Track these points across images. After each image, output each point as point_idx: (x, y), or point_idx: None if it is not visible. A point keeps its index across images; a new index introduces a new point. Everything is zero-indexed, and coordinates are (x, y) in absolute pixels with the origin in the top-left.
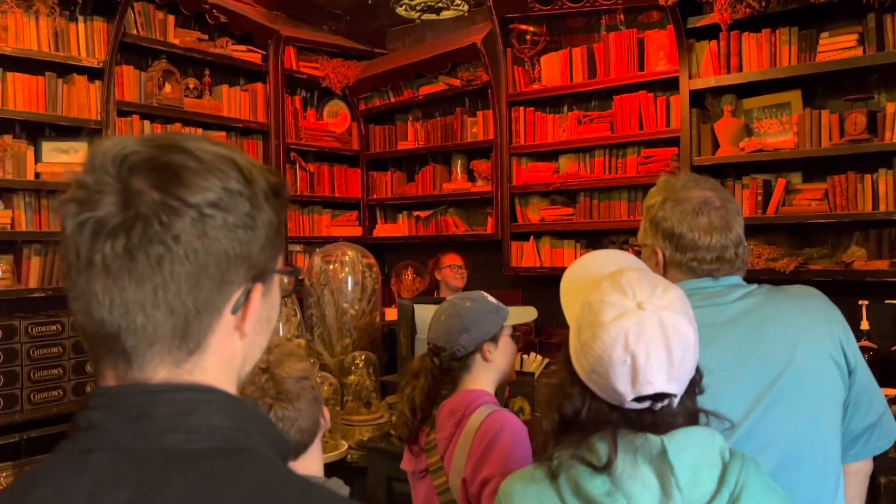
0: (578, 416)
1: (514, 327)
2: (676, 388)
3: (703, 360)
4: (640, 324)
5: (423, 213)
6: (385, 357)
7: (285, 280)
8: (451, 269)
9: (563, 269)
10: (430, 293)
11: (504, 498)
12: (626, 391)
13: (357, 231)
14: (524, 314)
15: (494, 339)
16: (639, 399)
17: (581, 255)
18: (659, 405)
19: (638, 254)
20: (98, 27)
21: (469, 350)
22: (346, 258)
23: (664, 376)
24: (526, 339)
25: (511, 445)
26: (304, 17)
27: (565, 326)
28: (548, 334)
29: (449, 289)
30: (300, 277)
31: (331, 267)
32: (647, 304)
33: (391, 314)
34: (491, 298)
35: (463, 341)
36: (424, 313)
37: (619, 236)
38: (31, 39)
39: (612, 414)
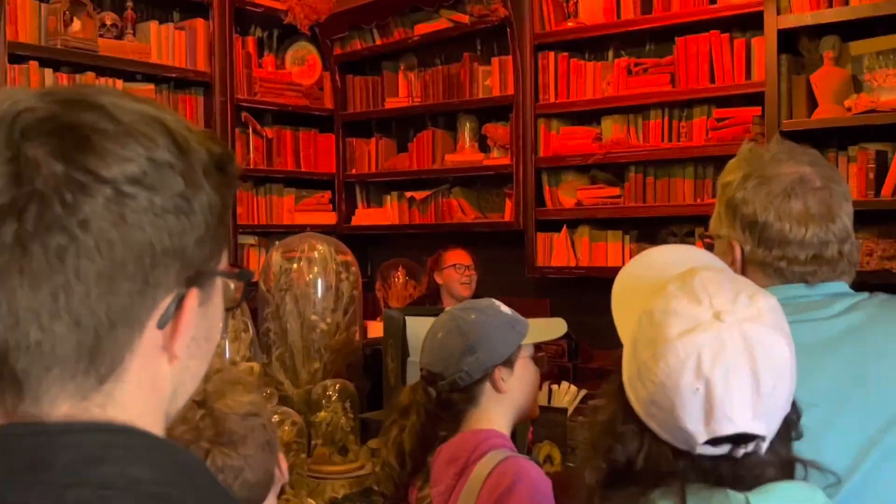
0: (633, 464)
1: (538, 347)
2: (765, 427)
3: (798, 392)
4: (717, 340)
5: (418, 195)
6: (366, 387)
7: (231, 285)
8: (456, 269)
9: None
10: (427, 302)
11: None
12: (698, 431)
13: (330, 218)
14: (551, 329)
15: (509, 363)
16: (714, 442)
17: (631, 251)
18: (742, 451)
19: (710, 247)
20: None
21: (475, 377)
22: (316, 254)
23: (749, 412)
24: (555, 364)
25: (529, 502)
26: None
27: (612, 345)
28: (585, 357)
29: (452, 296)
30: (252, 281)
31: (294, 266)
32: (727, 314)
33: (375, 329)
34: (505, 308)
35: (467, 366)
36: (419, 328)
37: (681, 226)
38: None
39: (679, 462)
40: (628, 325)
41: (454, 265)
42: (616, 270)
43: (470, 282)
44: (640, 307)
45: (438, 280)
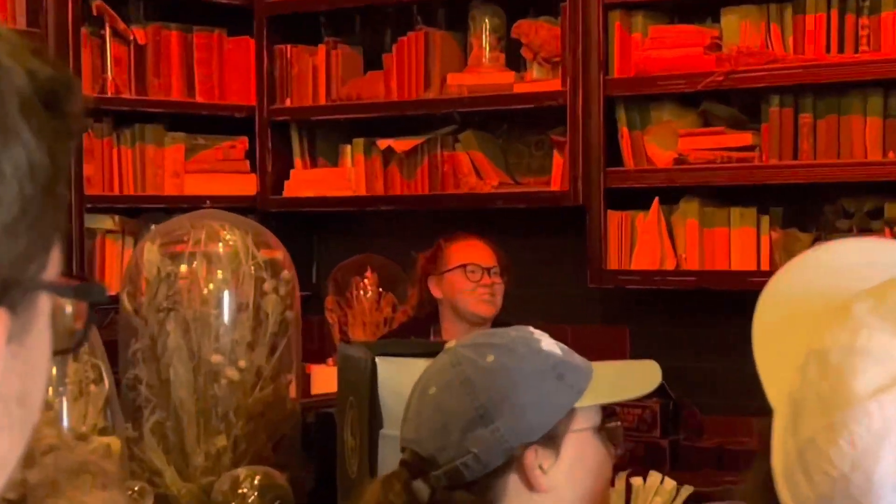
0: None
1: (608, 411)
2: None
3: None
4: None
5: (400, 144)
6: (309, 480)
7: (68, 307)
8: (468, 273)
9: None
10: (416, 331)
11: None
12: None
13: (246, 185)
14: (632, 380)
15: (553, 441)
16: None
17: (775, 243)
18: None
19: None
20: None
21: (493, 464)
22: (220, 249)
23: None
24: (639, 440)
25: None
26: None
27: (744, 409)
28: (692, 427)
29: (460, 319)
30: (105, 298)
31: (183, 269)
32: None
33: (324, 379)
34: (548, 343)
35: (478, 445)
36: (400, 377)
37: (860, 199)
38: None
39: None
40: (782, 374)
41: (464, 266)
42: (747, 278)
43: (491, 295)
44: (803, 344)
45: (436, 292)
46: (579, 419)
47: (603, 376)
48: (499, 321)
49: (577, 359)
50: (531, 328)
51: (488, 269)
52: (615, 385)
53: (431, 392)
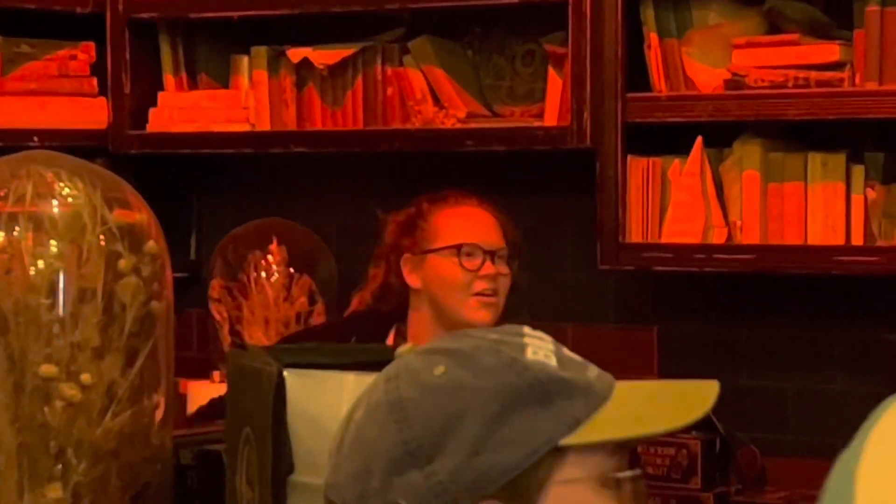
0: None
1: (629, 456)
2: None
3: None
4: None
5: (322, 55)
6: None
7: None
8: (463, 257)
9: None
10: (366, 328)
11: None
12: None
13: (94, 113)
14: (666, 406)
15: (524, 496)
16: None
17: (870, 204)
18: None
19: None
20: None
21: None
22: (54, 208)
23: None
24: (667, 491)
25: None
26: None
27: (820, 452)
28: (749, 471)
29: (440, 320)
30: None
31: (1, 237)
32: None
33: (207, 401)
34: (536, 349)
35: (403, 495)
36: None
37: None
38: None
39: None
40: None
41: (458, 248)
42: (831, 257)
43: (493, 293)
44: None
45: (413, 280)
46: (570, 464)
47: (624, 401)
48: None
49: (589, 375)
50: (525, 328)
51: (492, 253)
52: (635, 414)
53: (356, 417)
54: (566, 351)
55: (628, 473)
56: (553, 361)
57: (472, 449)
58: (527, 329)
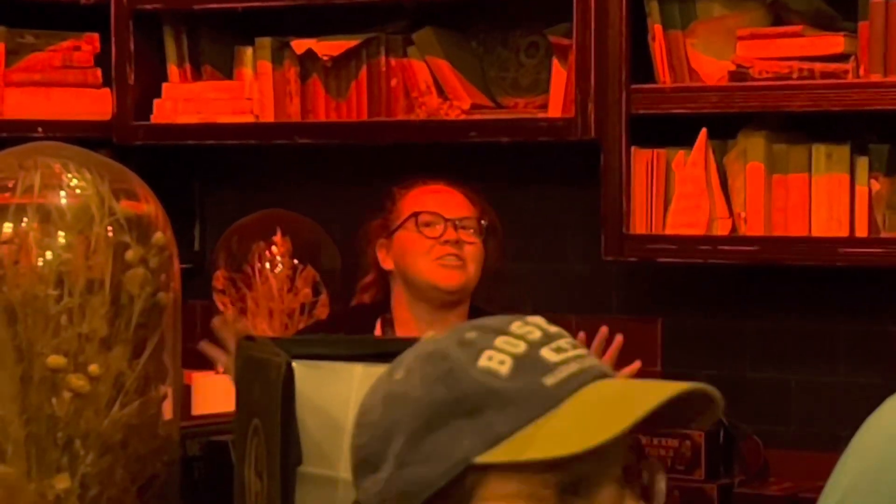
0: None
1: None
2: None
3: None
4: None
5: (326, 46)
6: None
7: None
8: (420, 226)
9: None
10: (356, 321)
11: None
12: None
13: (98, 104)
14: (615, 412)
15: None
16: None
17: (875, 196)
18: None
19: None
20: None
21: None
22: (63, 200)
23: None
24: (671, 483)
25: None
26: None
27: (824, 444)
28: (753, 463)
29: (415, 297)
30: None
31: (6, 230)
32: None
33: (212, 392)
34: (495, 350)
35: (362, 498)
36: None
37: None
38: None
39: None
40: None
41: (415, 216)
42: (836, 248)
43: (457, 258)
44: None
45: (386, 262)
46: (495, 480)
47: (573, 411)
48: (477, 310)
49: (546, 382)
50: (515, 323)
51: (454, 222)
52: (567, 428)
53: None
54: (549, 349)
55: (551, 492)
56: (505, 369)
57: (399, 461)
58: (516, 325)
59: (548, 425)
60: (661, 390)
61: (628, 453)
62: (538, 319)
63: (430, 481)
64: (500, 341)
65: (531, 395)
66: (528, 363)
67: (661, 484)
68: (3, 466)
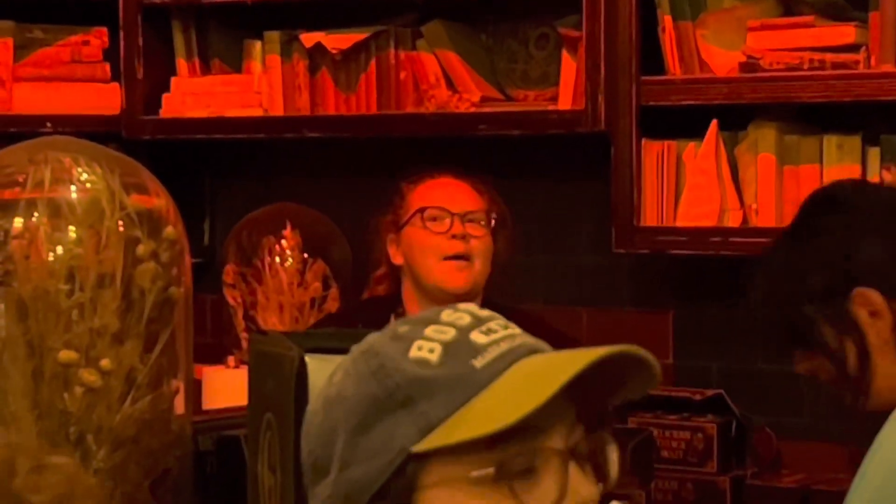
0: None
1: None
2: None
3: None
4: None
5: (335, 39)
6: None
7: None
8: (428, 222)
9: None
10: (368, 314)
11: None
12: None
13: (107, 99)
14: (536, 386)
15: None
16: None
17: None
18: None
19: None
20: None
21: None
22: (74, 194)
23: None
24: (682, 475)
25: None
26: None
27: (836, 436)
28: (765, 454)
29: (424, 295)
30: None
31: (17, 224)
32: None
33: (223, 387)
34: (426, 340)
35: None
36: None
37: None
38: None
39: None
40: None
41: (421, 212)
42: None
43: (464, 257)
44: None
45: (396, 257)
46: (435, 467)
47: (505, 387)
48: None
49: (475, 364)
50: (445, 311)
51: (460, 216)
52: (497, 405)
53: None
54: (479, 331)
55: (490, 471)
56: (435, 357)
57: (342, 462)
58: (446, 313)
59: (478, 405)
60: (586, 356)
61: (576, 429)
62: (469, 306)
63: (372, 478)
64: (429, 330)
65: (460, 378)
66: (457, 348)
67: (613, 455)
68: (61, 457)
